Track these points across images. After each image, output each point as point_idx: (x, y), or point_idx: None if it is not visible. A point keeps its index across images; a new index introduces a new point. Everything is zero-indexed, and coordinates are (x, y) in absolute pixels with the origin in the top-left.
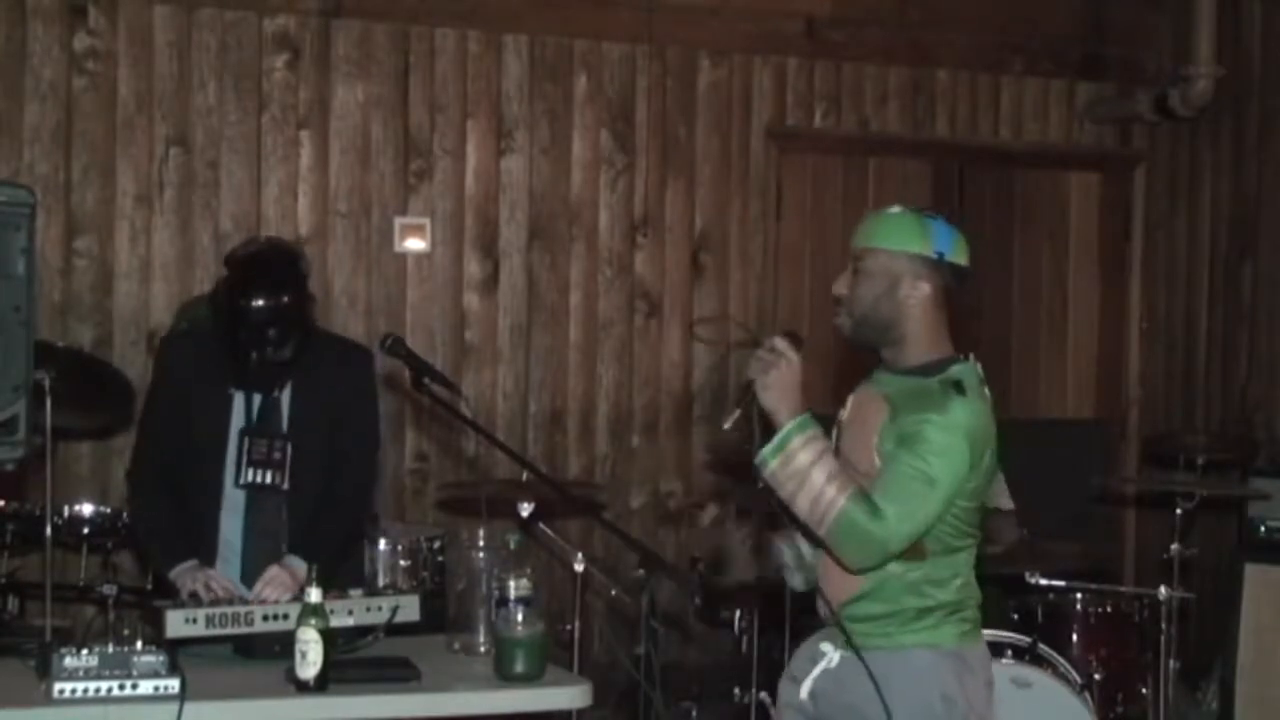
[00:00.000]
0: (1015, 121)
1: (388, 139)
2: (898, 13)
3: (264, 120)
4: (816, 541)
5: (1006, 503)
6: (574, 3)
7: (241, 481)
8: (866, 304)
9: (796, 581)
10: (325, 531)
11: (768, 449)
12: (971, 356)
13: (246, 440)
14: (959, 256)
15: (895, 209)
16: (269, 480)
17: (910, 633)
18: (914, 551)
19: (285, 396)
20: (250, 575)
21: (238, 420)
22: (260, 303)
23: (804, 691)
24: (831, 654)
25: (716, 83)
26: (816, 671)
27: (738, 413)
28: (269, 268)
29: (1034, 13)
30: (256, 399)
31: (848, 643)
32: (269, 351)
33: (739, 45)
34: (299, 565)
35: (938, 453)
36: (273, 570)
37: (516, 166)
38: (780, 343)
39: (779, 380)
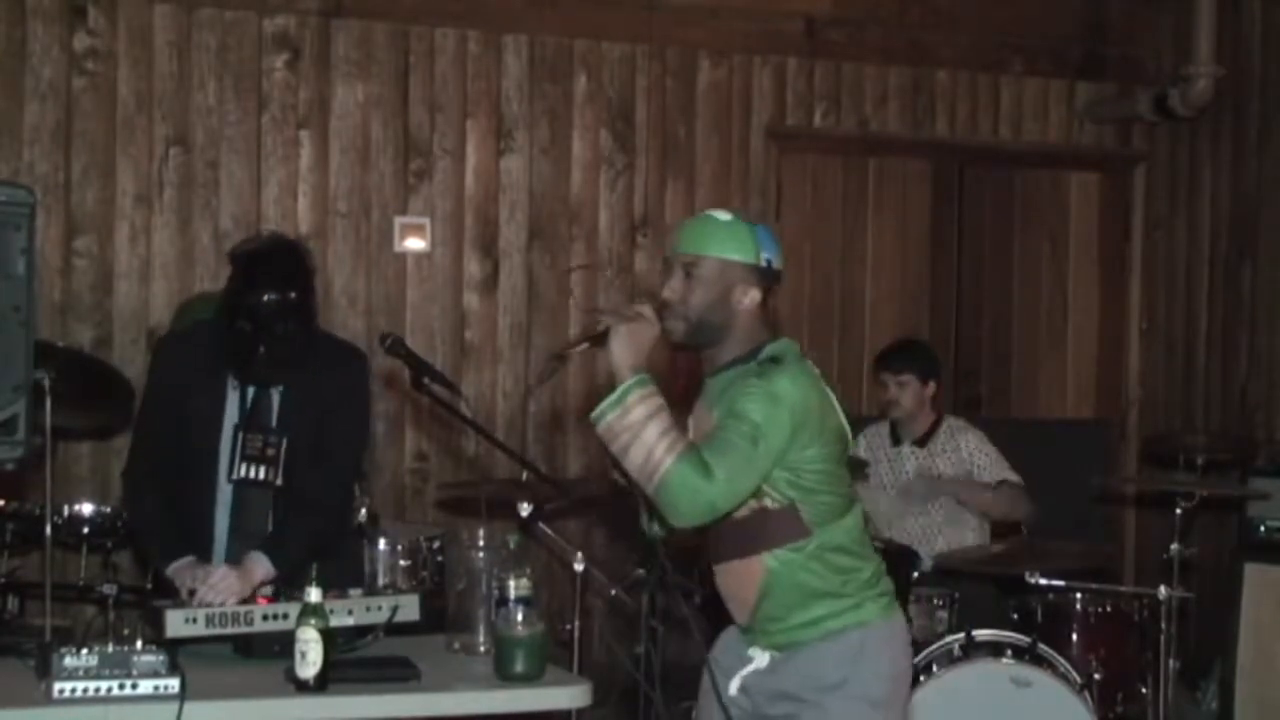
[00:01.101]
0: (1015, 121)
1: (388, 139)
2: (898, 13)
3: (264, 120)
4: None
5: (1013, 476)
6: (574, 3)
7: (235, 476)
8: (700, 310)
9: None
10: (299, 530)
11: (606, 402)
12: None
13: (241, 435)
14: (780, 261)
15: (725, 215)
16: (262, 476)
17: (835, 617)
18: (796, 531)
19: (276, 393)
20: None
21: (232, 416)
22: (270, 297)
23: (734, 687)
24: (760, 657)
25: (716, 83)
26: (746, 671)
27: (585, 345)
28: (277, 262)
29: (1034, 13)
30: (250, 395)
31: (775, 645)
32: (276, 346)
33: (739, 45)
34: (258, 563)
35: (761, 416)
36: (220, 571)
37: (516, 166)
38: (646, 309)
39: (632, 335)
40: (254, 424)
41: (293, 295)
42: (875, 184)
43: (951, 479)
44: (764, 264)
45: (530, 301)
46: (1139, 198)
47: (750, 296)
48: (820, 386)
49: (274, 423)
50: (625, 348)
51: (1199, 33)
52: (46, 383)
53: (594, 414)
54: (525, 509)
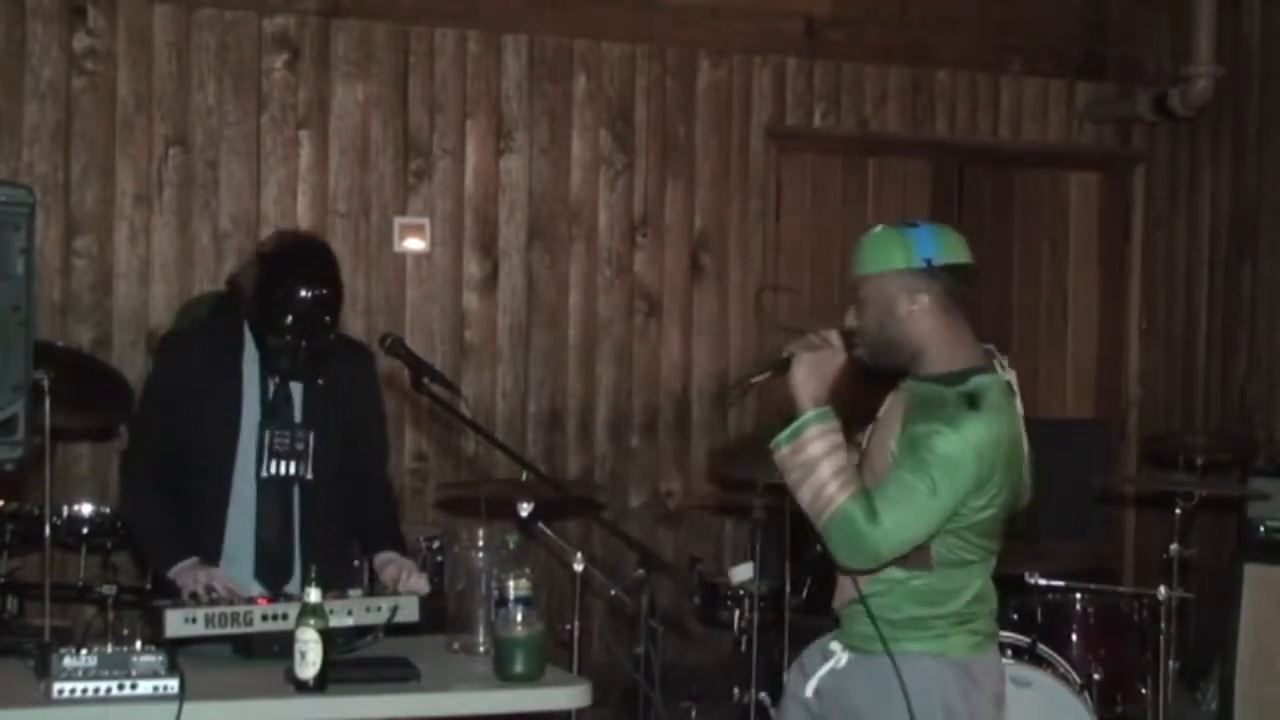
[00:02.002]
0: (1014, 121)
1: (387, 139)
2: (898, 13)
3: (263, 120)
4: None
5: None
6: (574, 3)
7: (265, 474)
8: (874, 331)
9: None
10: (390, 516)
11: (784, 434)
12: (1004, 363)
13: (268, 433)
14: (954, 255)
15: (876, 230)
16: (293, 471)
17: (914, 640)
18: (918, 560)
19: (296, 389)
20: (265, 573)
21: (250, 414)
22: (313, 293)
23: (809, 689)
24: (840, 654)
25: (716, 83)
26: (824, 670)
27: (767, 375)
28: (315, 259)
29: (1034, 13)
30: (271, 392)
31: (853, 646)
32: (317, 342)
33: (739, 45)
34: (396, 555)
35: (942, 466)
36: (386, 554)
37: (516, 166)
38: (833, 335)
39: (816, 363)
40: (279, 420)
41: (332, 290)
42: (875, 184)
43: None
44: (922, 264)
45: (530, 302)
46: (1139, 198)
47: (919, 302)
48: (1015, 432)
49: (298, 418)
50: (809, 377)
51: (1199, 33)
52: (46, 383)
53: (771, 443)
54: (525, 509)
